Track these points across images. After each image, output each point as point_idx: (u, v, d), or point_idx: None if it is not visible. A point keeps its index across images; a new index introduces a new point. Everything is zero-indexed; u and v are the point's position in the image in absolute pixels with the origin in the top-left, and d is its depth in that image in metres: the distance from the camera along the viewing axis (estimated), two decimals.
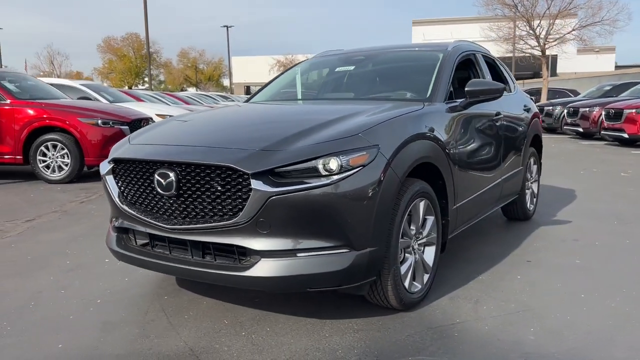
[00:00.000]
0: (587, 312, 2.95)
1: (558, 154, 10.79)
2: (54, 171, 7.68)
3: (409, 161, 2.81)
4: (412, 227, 2.96)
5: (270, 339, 2.64)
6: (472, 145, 3.66)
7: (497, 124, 4.13)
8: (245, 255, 2.56)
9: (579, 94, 20.18)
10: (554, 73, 40.75)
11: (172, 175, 2.61)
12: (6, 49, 75.92)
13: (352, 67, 4.28)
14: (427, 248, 3.15)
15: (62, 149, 7.61)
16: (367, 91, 3.98)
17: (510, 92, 4.94)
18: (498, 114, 4.14)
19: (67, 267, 3.80)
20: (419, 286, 3.03)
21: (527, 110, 4.98)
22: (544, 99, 22.79)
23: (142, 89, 33.36)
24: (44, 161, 7.68)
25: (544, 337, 2.64)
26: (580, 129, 14.40)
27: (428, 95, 3.52)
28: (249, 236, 2.50)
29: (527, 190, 5.08)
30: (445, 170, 3.22)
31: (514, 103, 4.73)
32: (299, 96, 4.55)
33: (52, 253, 4.16)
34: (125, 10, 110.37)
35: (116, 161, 2.94)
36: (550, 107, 17.07)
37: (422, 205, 3.00)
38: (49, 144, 7.64)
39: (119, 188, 2.94)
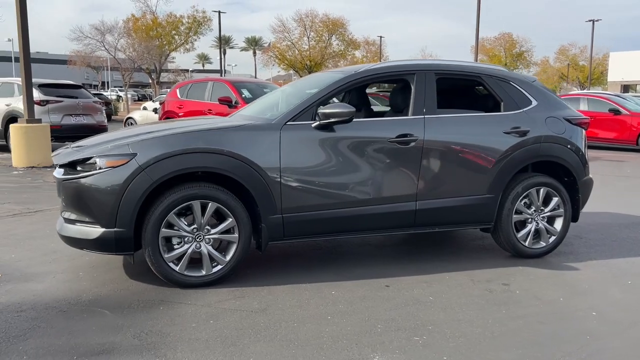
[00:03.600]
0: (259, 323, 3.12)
1: None
2: None
3: (173, 168, 3.55)
4: (194, 224, 3.66)
5: (88, 277, 3.89)
6: (322, 165, 3.86)
7: (404, 146, 4.02)
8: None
9: None
10: None
11: None
12: (394, 50, 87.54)
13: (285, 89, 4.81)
14: (229, 244, 3.75)
15: None
16: (262, 110, 4.53)
17: (497, 111, 4.47)
18: (405, 135, 4.02)
19: None
20: (203, 272, 3.70)
21: (520, 133, 4.32)
22: None
23: None
24: None
25: (179, 327, 3.10)
26: None
27: (277, 115, 3.94)
28: (63, 207, 3.80)
29: (528, 224, 4.47)
30: (253, 182, 3.69)
31: (473, 125, 4.30)
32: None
33: None
34: (499, 9, 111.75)
35: None
36: None
37: (209, 206, 3.64)
38: None
39: None
